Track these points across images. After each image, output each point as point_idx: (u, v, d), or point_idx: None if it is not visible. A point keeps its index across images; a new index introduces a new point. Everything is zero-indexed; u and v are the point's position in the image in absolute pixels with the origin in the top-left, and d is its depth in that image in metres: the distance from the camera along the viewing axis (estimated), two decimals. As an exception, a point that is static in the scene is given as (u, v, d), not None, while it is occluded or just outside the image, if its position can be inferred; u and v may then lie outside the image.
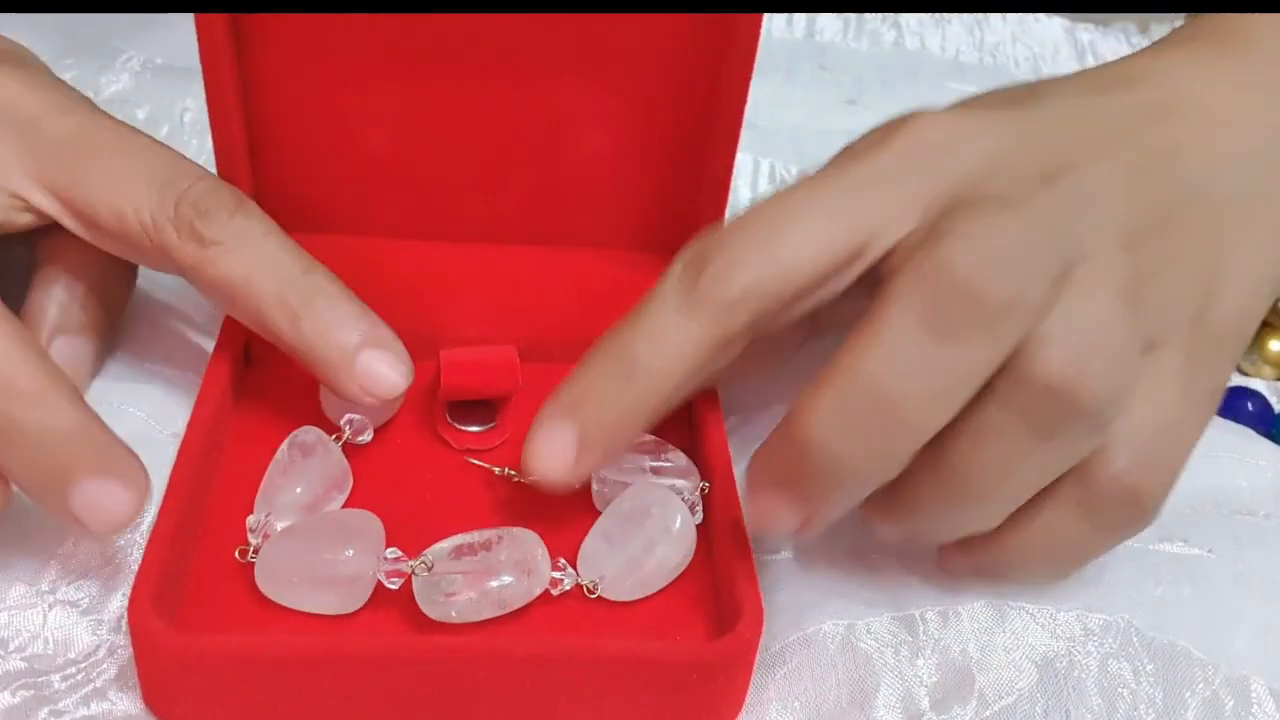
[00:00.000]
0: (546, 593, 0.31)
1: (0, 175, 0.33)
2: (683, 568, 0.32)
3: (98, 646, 0.30)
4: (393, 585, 0.30)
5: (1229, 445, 0.39)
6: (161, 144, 0.35)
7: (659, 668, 0.29)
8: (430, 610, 0.30)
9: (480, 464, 0.35)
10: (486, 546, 0.30)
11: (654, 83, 0.35)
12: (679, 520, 0.32)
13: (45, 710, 0.29)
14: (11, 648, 0.30)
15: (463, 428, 0.36)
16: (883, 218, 0.30)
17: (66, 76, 0.37)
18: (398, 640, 0.29)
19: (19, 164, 0.33)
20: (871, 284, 0.30)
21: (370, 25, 0.34)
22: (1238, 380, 0.45)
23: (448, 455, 0.35)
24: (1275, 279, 0.34)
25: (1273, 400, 0.44)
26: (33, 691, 0.29)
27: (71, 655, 0.30)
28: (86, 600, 0.31)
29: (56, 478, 0.29)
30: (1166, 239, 0.31)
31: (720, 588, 0.32)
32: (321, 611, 0.30)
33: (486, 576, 0.30)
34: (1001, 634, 0.32)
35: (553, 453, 0.30)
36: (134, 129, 0.35)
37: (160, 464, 0.31)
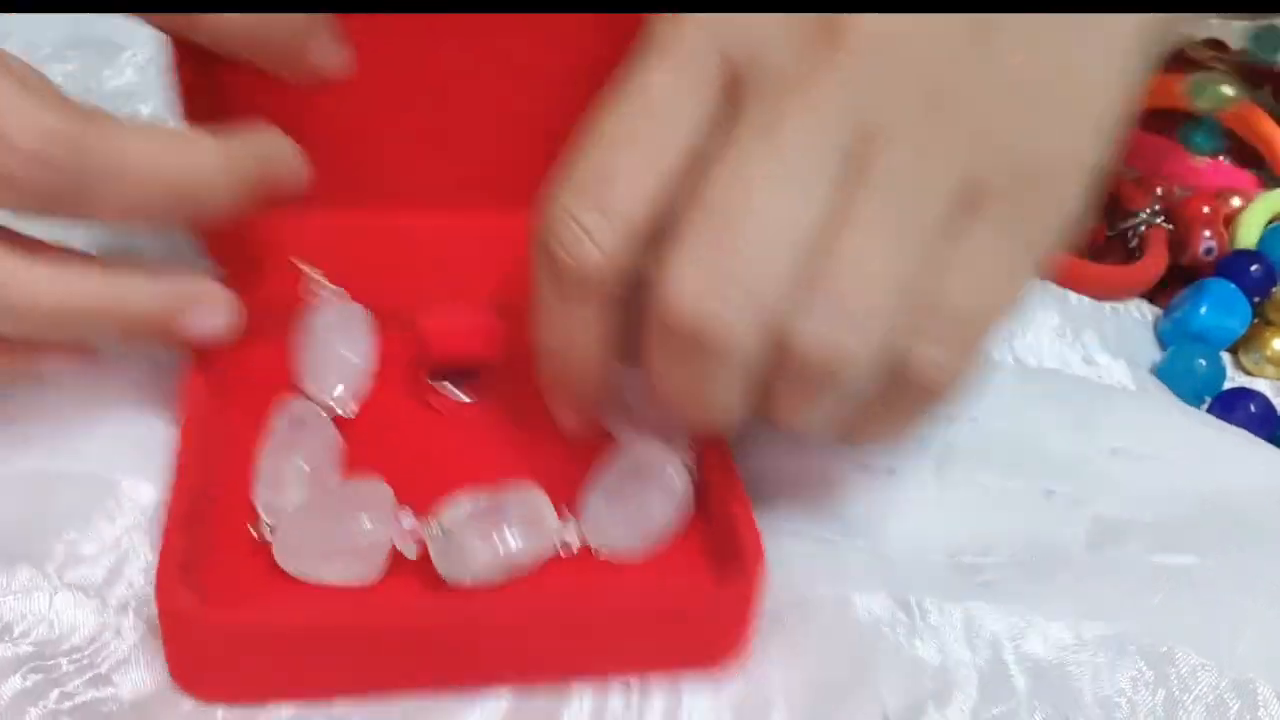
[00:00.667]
0: (556, 555, 0.32)
1: None
2: (683, 524, 0.33)
3: (103, 629, 0.30)
4: (409, 550, 0.31)
5: (1229, 449, 0.39)
6: None
7: (671, 616, 0.30)
8: (448, 573, 0.30)
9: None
10: (497, 508, 0.31)
11: (624, 42, 0.34)
12: (677, 479, 0.33)
13: (56, 692, 0.29)
14: (17, 632, 0.30)
15: (447, 390, 0.36)
16: (693, 116, 0.29)
17: (69, 69, 0.37)
18: (421, 604, 0.30)
19: None
20: None
21: None
22: (1240, 381, 0.45)
23: (436, 420, 0.36)
24: (1132, 73, 0.30)
25: (1276, 401, 0.44)
26: (41, 675, 0.29)
27: (76, 641, 0.30)
28: (93, 586, 0.31)
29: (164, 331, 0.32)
30: (990, 61, 0.28)
31: (721, 539, 0.32)
32: (342, 582, 0.31)
33: (500, 538, 0.31)
34: (994, 639, 0.32)
35: (568, 420, 0.34)
36: None
37: (158, 444, 0.33)
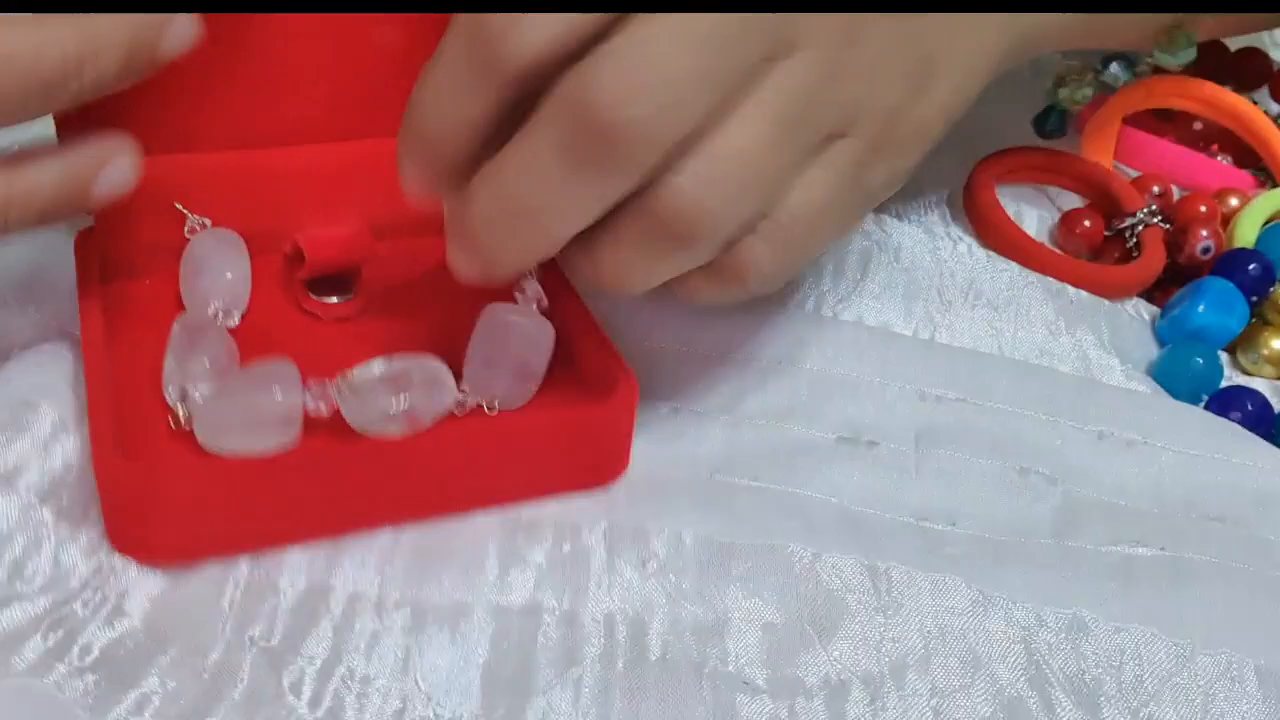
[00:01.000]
0: (453, 414, 0.34)
1: None
2: (548, 365, 0.35)
3: (99, 567, 0.31)
4: (321, 409, 0.33)
5: (1220, 441, 0.39)
6: None
7: (563, 441, 0.33)
8: (359, 423, 0.32)
9: None
10: (402, 371, 0.33)
11: None
12: (539, 328, 0.35)
13: (77, 649, 0.29)
14: (27, 572, 0.30)
15: (325, 300, 0.38)
16: None
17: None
18: (341, 451, 0.32)
19: None
20: None
21: None
22: (1238, 380, 0.45)
23: (318, 324, 0.38)
24: (983, 75, 0.36)
25: (1273, 401, 0.43)
26: (61, 630, 0.29)
27: (83, 575, 0.31)
28: (81, 538, 0.31)
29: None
30: (887, 23, 0.32)
31: (591, 372, 0.35)
32: (263, 449, 0.32)
33: (405, 392, 0.33)
34: (960, 613, 0.32)
35: (411, 180, 0.33)
36: None
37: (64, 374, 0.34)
